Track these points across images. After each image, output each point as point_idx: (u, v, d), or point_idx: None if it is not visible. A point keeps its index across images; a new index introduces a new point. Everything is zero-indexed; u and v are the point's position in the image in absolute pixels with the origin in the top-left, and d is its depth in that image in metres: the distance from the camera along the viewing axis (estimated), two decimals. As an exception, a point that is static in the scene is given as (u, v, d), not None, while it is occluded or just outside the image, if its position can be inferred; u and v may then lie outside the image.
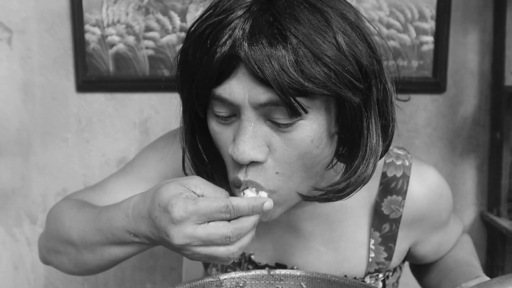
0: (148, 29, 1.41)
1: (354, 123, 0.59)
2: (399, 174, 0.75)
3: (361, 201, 0.75)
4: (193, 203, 0.56)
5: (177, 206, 0.55)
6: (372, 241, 0.76)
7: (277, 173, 0.59)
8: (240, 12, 0.55)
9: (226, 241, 0.56)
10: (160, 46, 1.41)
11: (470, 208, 1.53)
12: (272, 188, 0.60)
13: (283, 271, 0.70)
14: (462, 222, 0.92)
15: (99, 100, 1.46)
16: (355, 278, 0.77)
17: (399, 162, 0.75)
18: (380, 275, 0.78)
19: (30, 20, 1.42)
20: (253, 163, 0.58)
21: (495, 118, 1.45)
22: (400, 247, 0.78)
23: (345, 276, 0.76)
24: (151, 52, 1.42)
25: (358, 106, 0.57)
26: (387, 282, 0.80)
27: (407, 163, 0.75)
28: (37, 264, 1.54)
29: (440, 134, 1.49)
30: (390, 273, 0.80)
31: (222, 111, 0.59)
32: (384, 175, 0.75)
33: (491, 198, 1.49)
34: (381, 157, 0.63)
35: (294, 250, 0.76)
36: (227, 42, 0.54)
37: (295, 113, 0.55)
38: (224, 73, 0.56)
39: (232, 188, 0.63)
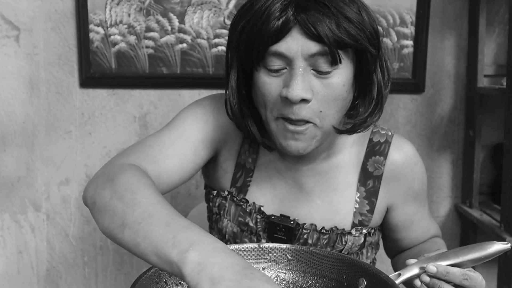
0: (149, 29, 1.50)
1: (369, 72, 0.79)
2: (382, 140, 0.91)
3: (352, 161, 0.90)
4: None
5: None
6: (358, 195, 0.90)
7: (320, 111, 0.77)
8: None
9: None
10: (159, 45, 1.51)
11: (446, 200, 1.64)
12: (315, 121, 0.77)
13: (271, 245, 0.79)
14: (438, 228, 1.02)
15: (101, 95, 1.55)
16: (343, 229, 0.89)
17: (383, 132, 0.92)
18: (364, 230, 0.90)
19: (37, 19, 1.51)
20: (301, 102, 0.75)
21: (469, 117, 1.55)
22: (380, 205, 0.91)
23: (335, 227, 0.89)
24: (151, 51, 1.51)
25: (374, 56, 0.78)
26: (367, 238, 0.91)
27: (389, 133, 0.92)
28: (40, 249, 1.63)
29: (418, 131, 1.60)
30: (371, 231, 0.92)
31: (275, 64, 0.75)
32: (370, 140, 0.91)
33: (464, 191, 1.59)
34: (381, 106, 0.82)
35: (297, 203, 0.90)
36: (283, 13, 0.72)
37: (335, 62, 0.74)
38: (281, 34, 0.73)
39: (277, 123, 0.78)
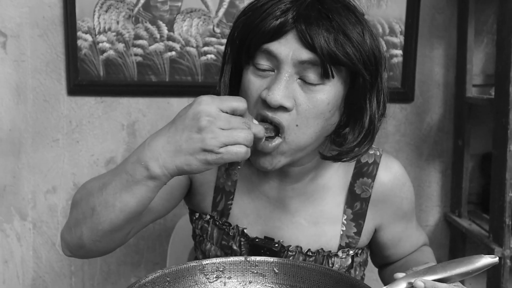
0: (137, 37, 1.49)
1: (361, 98, 0.76)
2: (370, 161, 0.89)
3: (339, 182, 0.88)
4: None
5: (204, 97, 0.67)
6: (345, 217, 0.88)
7: (296, 125, 0.73)
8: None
9: (244, 125, 0.66)
10: (148, 53, 1.50)
11: (435, 209, 1.64)
12: (288, 137, 0.74)
13: (258, 258, 0.79)
14: (426, 236, 1.02)
15: (89, 103, 1.54)
16: (329, 251, 0.87)
17: (371, 152, 0.90)
18: (351, 252, 0.89)
19: (24, 26, 1.49)
20: (280, 108, 0.72)
21: (458, 126, 1.56)
22: (368, 227, 0.90)
23: (322, 249, 0.87)
24: (139, 58, 1.50)
25: (367, 83, 0.74)
26: (355, 259, 0.90)
27: (378, 153, 0.90)
28: (26, 259, 1.61)
29: (407, 140, 1.60)
30: (359, 252, 0.90)
31: (264, 64, 0.74)
32: (358, 161, 0.89)
33: (453, 200, 1.60)
34: (372, 137, 0.79)
35: (281, 224, 0.88)
36: (283, 14, 0.71)
37: (326, 75, 0.71)
38: (276, 34, 0.72)
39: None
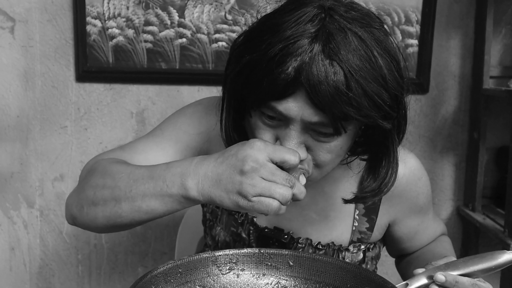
0: (148, 23, 1.46)
1: (380, 143, 0.72)
2: None
3: (350, 175, 0.85)
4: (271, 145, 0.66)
5: (258, 142, 0.65)
6: (357, 212, 0.86)
7: (314, 164, 0.72)
8: (304, 42, 0.63)
9: (287, 182, 0.64)
10: (158, 40, 1.47)
11: (448, 203, 1.61)
12: (309, 171, 0.72)
13: (272, 250, 0.76)
14: (444, 225, 0.99)
15: (98, 90, 1.52)
16: (340, 245, 0.85)
17: None
18: (362, 246, 0.87)
19: (33, 11, 1.47)
20: None
21: (473, 119, 1.53)
22: (381, 222, 0.87)
23: (332, 243, 0.85)
24: (149, 45, 1.47)
25: (388, 131, 0.70)
26: (367, 254, 0.88)
27: None
28: (33, 246, 1.60)
29: (421, 132, 1.57)
30: (371, 246, 0.88)
31: (271, 114, 0.68)
32: None
33: (467, 194, 1.57)
34: (395, 176, 0.76)
35: (291, 216, 0.86)
36: (292, 69, 0.63)
37: (338, 132, 0.67)
38: (284, 93, 0.65)
39: None
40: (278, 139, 0.70)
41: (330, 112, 0.64)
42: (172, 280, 0.69)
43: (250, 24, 0.74)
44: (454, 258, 0.76)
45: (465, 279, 0.68)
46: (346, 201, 0.78)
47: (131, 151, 0.84)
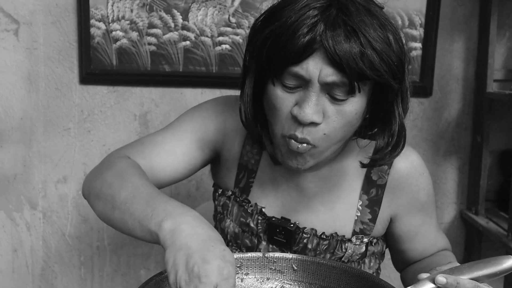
0: (151, 26, 1.47)
1: (389, 105, 0.77)
2: None
3: (357, 168, 0.88)
4: None
5: (229, 267, 0.62)
6: (360, 202, 0.88)
7: (324, 134, 0.75)
8: (320, 9, 0.71)
9: None
10: (162, 42, 1.47)
11: (451, 206, 1.61)
12: (317, 144, 0.76)
13: (276, 254, 0.77)
14: (448, 242, 0.99)
15: (101, 92, 1.52)
16: (343, 236, 0.87)
17: None
18: (365, 239, 0.88)
19: (37, 13, 1.47)
20: (310, 123, 0.74)
21: (477, 122, 1.52)
22: (383, 215, 0.89)
23: (336, 233, 0.87)
24: (153, 48, 1.48)
25: (396, 90, 0.75)
26: (369, 248, 0.89)
27: None
28: (36, 248, 1.60)
29: (425, 136, 1.57)
30: (374, 241, 0.89)
31: (291, 83, 0.74)
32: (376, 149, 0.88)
33: (470, 198, 1.56)
34: (405, 140, 0.81)
35: (298, 207, 0.89)
36: (310, 32, 0.70)
37: (352, 91, 0.72)
38: (303, 55, 0.71)
39: (282, 139, 0.77)
40: (297, 104, 0.74)
41: (347, 68, 0.69)
42: None
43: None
44: (457, 263, 0.75)
45: (466, 280, 0.68)
46: (364, 165, 0.82)
47: (150, 144, 0.88)
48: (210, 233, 0.64)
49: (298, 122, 0.74)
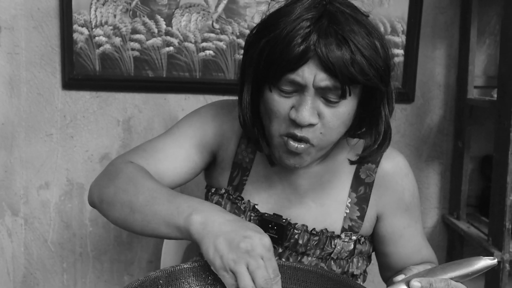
0: (135, 31, 1.46)
1: (376, 106, 0.83)
2: None
3: (347, 167, 0.93)
4: None
5: (267, 238, 0.71)
6: (349, 200, 0.92)
7: (321, 133, 0.80)
8: (313, 20, 0.76)
9: (263, 282, 0.67)
10: (145, 48, 1.47)
11: (433, 211, 1.62)
12: (315, 143, 0.81)
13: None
14: (434, 255, 1.00)
15: (84, 97, 1.51)
16: (333, 232, 0.90)
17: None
18: (353, 237, 0.91)
19: (19, 18, 1.46)
20: (308, 125, 0.79)
21: (458, 128, 1.54)
22: (371, 213, 0.93)
23: (326, 229, 0.90)
24: (136, 53, 1.47)
25: (383, 92, 0.81)
26: (357, 246, 0.91)
27: None
28: (17, 255, 1.58)
29: (407, 141, 1.58)
30: (362, 239, 0.92)
31: (288, 88, 0.79)
32: (365, 149, 0.92)
33: (452, 203, 1.58)
34: (390, 138, 0.87)
35: (290, 204, 0.93)
36: (304, 41, 0.74)
37: (344, 94, 0.77)
38: (299, 63, 0.75)
39: (280, 139, 0.82)
40: (293, 107, 0.79)
41: (339, 73, 0.74)
42: (170, 286, 0.72)
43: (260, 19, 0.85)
44: (433, 265, 0.76)
45: (438, 279, 0.70)
46: (352, 162, 0.88)
47: (152, 150, 0.92)
48: (238, 218, 0.72)
49: (296, 124, 0.79)
